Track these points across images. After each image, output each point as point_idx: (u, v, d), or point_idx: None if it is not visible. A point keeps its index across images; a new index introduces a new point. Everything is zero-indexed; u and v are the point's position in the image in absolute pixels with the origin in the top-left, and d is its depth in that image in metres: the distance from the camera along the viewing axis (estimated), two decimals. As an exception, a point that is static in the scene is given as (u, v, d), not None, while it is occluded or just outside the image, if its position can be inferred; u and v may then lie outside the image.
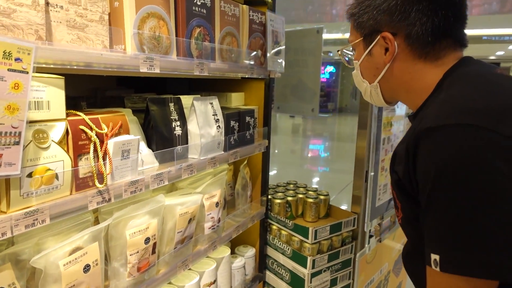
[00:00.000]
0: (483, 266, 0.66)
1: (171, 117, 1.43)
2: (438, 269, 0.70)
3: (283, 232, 2.10)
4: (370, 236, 2.17)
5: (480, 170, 0.66)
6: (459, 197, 0.68)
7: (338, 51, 1.12)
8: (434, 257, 0.71)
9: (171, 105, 1.44)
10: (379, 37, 0.91)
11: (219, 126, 1.58)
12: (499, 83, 0.80)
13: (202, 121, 1.49)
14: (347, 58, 1.08)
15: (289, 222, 2.06)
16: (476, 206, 0.66)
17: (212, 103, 1.58)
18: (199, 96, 1.54)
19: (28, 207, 0.89)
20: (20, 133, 0.80)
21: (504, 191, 0.65)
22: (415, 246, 0.90)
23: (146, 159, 1.30)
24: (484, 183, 0.66)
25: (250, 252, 2.09)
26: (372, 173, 1.99)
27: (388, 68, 0.93)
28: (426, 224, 0.75)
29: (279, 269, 2.13)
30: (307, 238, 1.96)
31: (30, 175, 0.89)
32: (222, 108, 1.65)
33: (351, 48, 1.04)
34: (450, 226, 0.69)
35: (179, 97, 1.49)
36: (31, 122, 0.90)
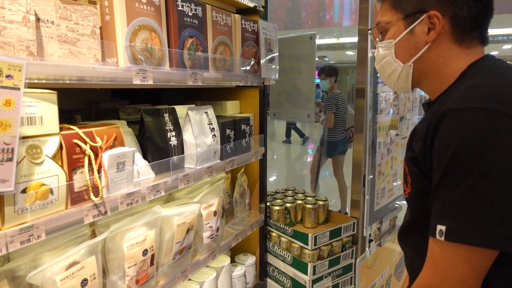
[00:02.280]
0: (483, 236, 0.72)
1: (166, 128, 1.43)
2: (443, 238, 0.76)
3: (282, 239, 2.10)
4: (370, 241, 2.16)
5: (493, 150, 0.72)
6: (471, 173, 0.73)
7: (369, 30, 1.13)
8: (440, 227, 0.77)
9: (166, 115, 1.45)
10: (424, 16, 0.92)
11: (214, 135, 1.58)
12: None
13: (197, 130, 1.49)
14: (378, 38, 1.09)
15: (289, 228, 2.06)
16: (485, 181, 0.72)
17: (207, 112, 1.58)
18: (193, 106, 1.54)
19: (23, 223, 0.89)
20: (12, 150, 0.80)
21: None
22: (417, 218, 0.96)
23: (142, 170, 1.29)
24: (495, 162, 0.72)
25: (250, 260, 2.08)
26: (371, 176, 1.99)
27: (425, 49, 0.95)
28: (437, 199, 0.80)
29: (280, 277, 2.12)
30: (307, 244, 1.96)
31: (24, 190, 0.89)
32: (217, 116, 1.65)
33: (379, 32, 1.06)
34: (460, 199, 0.75)
35: (174, 108, 1.50)
36: (24, 137, 0.90)
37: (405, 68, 1.00)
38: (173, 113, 1.48)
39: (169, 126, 1.44)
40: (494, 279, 0.79)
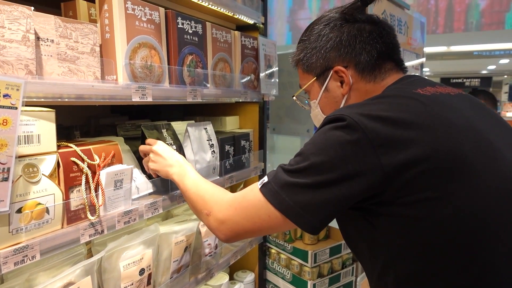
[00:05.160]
0: (281, 203, 0.81)
1: (167, 143, 1.42)
2: (259, 185, 0.87)
3: (282, 256, 2.07)
4: (371, 258, 2.13)
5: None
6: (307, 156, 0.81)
7: (293, 96, 1.20)
8: (264, 178, 0.88)
9: (164, 131, 1.44)
10: (331, 72, 0.98)
11: (213, 151, 1.57)
12: (400, 101, 0.84)
13: (197, 146, 1.48)
14: (306, 102, 1.14)
15: (288, 245, 2.03)
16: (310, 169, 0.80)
17: (206, 128, 1.57)
18: (193, 122, 1.53)
19: (17, 244, 0.87)
20: (8, 169, 0.79)
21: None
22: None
23: (142, 186, 1.28)
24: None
25: (249, 277, 2.04)
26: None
27: (345, 100, 0.99)
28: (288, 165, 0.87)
29: (279, 294, 2.08)
30: (307, 262, 1.93)
31: (19, 210, 0.87)
32: (217, 132, 1.64)
33: (304, 92, 1.11)
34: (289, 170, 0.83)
35: (170, 123, 1.49)
36: (21, 156, 0.89)
37: None
38: (170, 128, 1.47)
39: (169, 141, 1.43)
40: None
